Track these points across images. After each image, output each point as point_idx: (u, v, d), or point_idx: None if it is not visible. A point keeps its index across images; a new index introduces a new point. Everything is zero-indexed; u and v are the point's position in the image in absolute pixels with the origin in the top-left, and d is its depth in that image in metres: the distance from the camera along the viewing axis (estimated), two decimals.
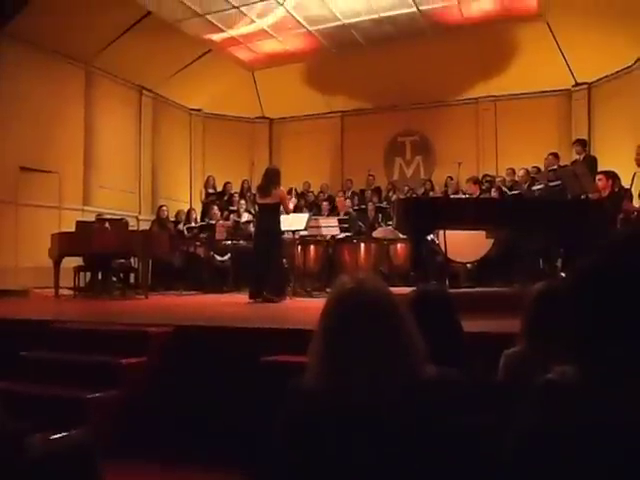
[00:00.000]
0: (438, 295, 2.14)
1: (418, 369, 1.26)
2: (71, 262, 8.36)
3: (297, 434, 1.26)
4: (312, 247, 8.77)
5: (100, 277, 8.47)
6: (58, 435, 2.22)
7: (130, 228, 9.28)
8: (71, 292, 8.30)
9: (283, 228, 7.79)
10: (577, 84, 11.15)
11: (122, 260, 9.02)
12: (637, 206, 6.43)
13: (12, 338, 4.30)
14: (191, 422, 3.55)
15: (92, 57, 10.21)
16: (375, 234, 9.54)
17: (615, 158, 8.75)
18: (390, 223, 9.57)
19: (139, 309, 6.41)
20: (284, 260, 8.59)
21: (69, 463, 2.13)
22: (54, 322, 4.56)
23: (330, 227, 8.64)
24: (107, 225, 8.26)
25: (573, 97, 11.30)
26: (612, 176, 7.22)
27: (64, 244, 7.81)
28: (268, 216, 7.13)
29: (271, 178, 7.20)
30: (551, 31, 10.03)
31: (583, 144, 8.32)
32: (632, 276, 1.33)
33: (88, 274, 8.74)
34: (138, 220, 11.16)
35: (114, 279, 8.92)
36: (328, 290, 8.28)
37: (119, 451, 3.04)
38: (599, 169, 7.57)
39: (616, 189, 7.38)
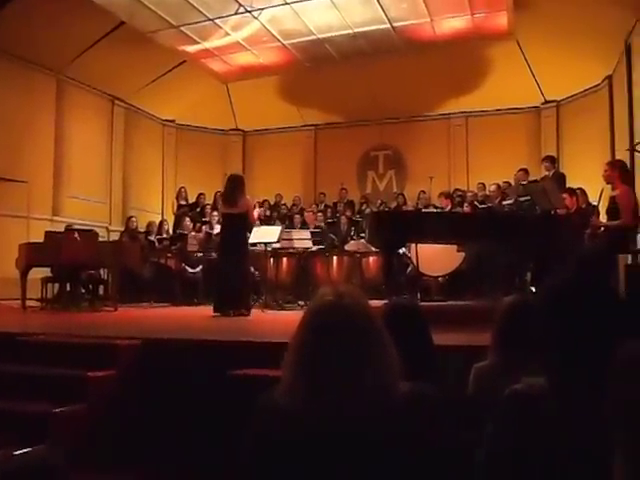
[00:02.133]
0: (409, 308, 2.15)
1: (393, 385, 1.26)
2: (39, 273, 8.20)
3: (267, 450, 1.24)
4: (284, 260, 8.76)
5: (68, 289, 8.32)
6: (21, 451, 2.17)
7: (100, 239, 9.15)
8: (38, 304, 8.13)
9: (255, 240, 7.75)
10: (546, 102, 11.39)
11: (91, 271, 8.88)
12: (604, 221, 6.56)
13: None
14: (159, 437, 3.50)
15: (64, 66, 10.10)
16: (347, 247, 9.57)
17: (583, 174, 8.94)
18: (362, 236, 9.61)
19: (108, 322, 6.31)
20: (254, 272, 8.55)
21: (32, 479, 2.08)
22: (20, 335, 4.46)
23: (303, 240, 8.64)
24: (76, 236, 8.12)
25: (542, 114, 11.54)
26: (576, 193, 7.38)
27: (32, 255, 7.66)
28: (234, 227, 6.90)
29: (236, 186, 6.99)
30: (521, 50, 10.23)
31: (552, 160, 8.47)
32: (600, 291, 1.36)
33: (56, 285, 8.58)
34: (108, 231, 11.02)
35: (83, 291, 8.77)
36: (300, 303, 8.28)
37: (86, 466, 2.98)
38: (567, 185, 7.71)
39: (583, 205, 7.55)
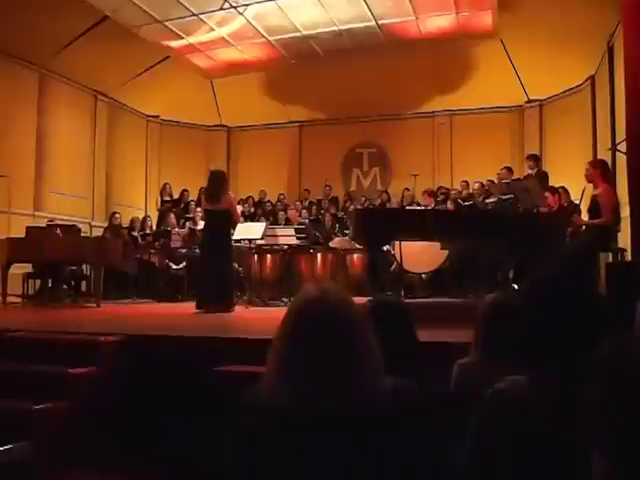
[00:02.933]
0: (393, 305, 2.15)
1: (376, 382, 1.26)
2: (20, 269, 8.13)
3: (250, 447, 1.24)
4: (269, 256, 8.74)
5: (50, 284, 8.26)
6: (1, 448, 2.15)
7: (82, 234, 9.08)
8: (20, 300, 8.06)
9: (240, 237, 7.72)
10: (529, 101, 11.47)
11: (73, 267, 8.82)
12: (585, 219, 6.63)
13: None
14: (143, 434, 3.48)
15: (46, 60, 9.98)
16: (332, 244, 9.58)
17: (565, 173, 9.03)
18: (347, 233, 9.63)
19: (90, 318, 6.26)
20: (239, 268, 8.53)
21: (12, 476, 2.06)
22: (1, 331, 4.41)
23: (287, 236, 8.63)
24: (58, 231, 8.06)
25: (525, 113, 11.62)
26: (558, 192, 7.45)
27: (13, 250, 7.58)
28: (217, 223, 6.86)
29: (219, 182, 6.96)
30: (505, 49, 10.29)
31: (536, 159, 8.54)
32: (580, 289, 1.37)
33: (38, 281, 8.51)
34: (91, 226, 10.93)
35: (65, 287, 8.70)
36: (284, 299, 8.28)
37: (67, 463, 2.96)
38: (550, 184, 7.78)
39: (565, 204, 7.62)
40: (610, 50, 8.59)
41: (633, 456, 0.95)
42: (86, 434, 3.49)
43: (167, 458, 3.22)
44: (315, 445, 1.17)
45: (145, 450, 3.34)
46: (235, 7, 9.10)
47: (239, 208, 8.41)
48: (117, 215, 10.36)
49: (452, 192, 10.42)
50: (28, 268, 8.41)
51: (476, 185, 9.92)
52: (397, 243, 7.73)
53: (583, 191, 6.94)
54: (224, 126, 13.62)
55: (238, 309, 6.98)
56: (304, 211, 10.98)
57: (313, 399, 1.20)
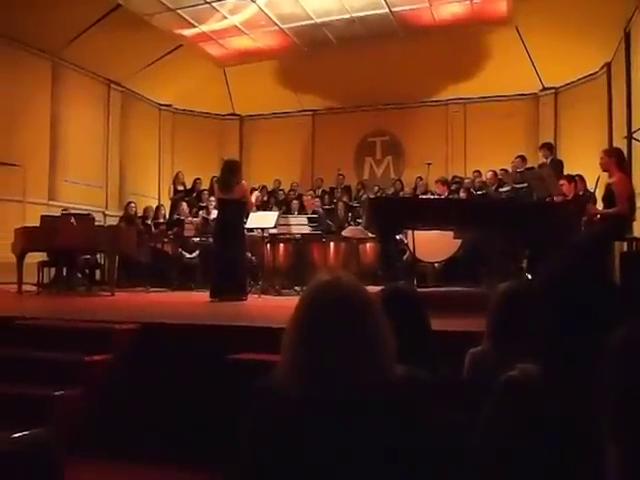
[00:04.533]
0: (406, 294, 2.16)
1: (388, 368, 1.27)
2: (35, 257, 8.20)
3: (265, 433, 1.25)
4: (281, 245, 8.75)
5: (65, 273, 8.32)
6: (19, 434, 2.18)
7: (96, 223, 9.13)
8: (35, 288, 8.14)
9: (252, 226, 7.73)
10: (544, 89, 11.36)
11: (88, 256, 8.88)
12: (600, 209, 6.58)
13: None
14: (158, 421, 3.52)
15: (60, 49, 10.03)
16: (344, 233, 9.56)
17: (580, 161, 8.94)
18: (360, 222, 9.61)
19: (105, 306, 6.32)
20: (252, 257, 8.55)
21: (30, 462, 2.09)
22: (17, 319, 4.47)
23: (300, 225, 8.63)
24: (73, 220, 8.11)
25: (540, 101, 11.51)
26: (574, 180, 7.38)
27: (28, 239, 7.64)
28: (231, 212, 6.88)
29: (232, 172, 6.96)
30: (520, 36, 10.18)
31: (550, 148, 8.47)
32: (594, 278, 1.37)
33: (52, 270, 8.58)
34: (105, 215, 11.01)
35: (79, 275, 8.77)
36: (297, 288, 8.29)
37: (84, 450, 3.00)
38: (565, 172, 7.72)
39: (580, 192, 7.55)
40: (627, 37, 8.47)
41: None
42: (102, 421, 3.54)
43: (182, 445, 3.25)
44: (330, 429, 1.18)
45: (160, 437, 3.38)
46: None
47: (256, 195, 8.40)
48: (132, 205, 10.41)
49: (466, 181, 10.36)
50: (43, 257, 8.48)
51: (490, 174, 9.85)
52: (410, 232, 7.71)
53: (598, 179, 6.88)
54: (237, 115, 13.62)
55: (251, 298, 7.02)
56: (317, 200, 10.97)
57: (327, 384, 1.21)
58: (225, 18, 9.97)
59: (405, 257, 8.79)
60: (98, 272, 9.20)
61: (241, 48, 11.16)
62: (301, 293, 1.36)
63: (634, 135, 7.68)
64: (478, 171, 10.41)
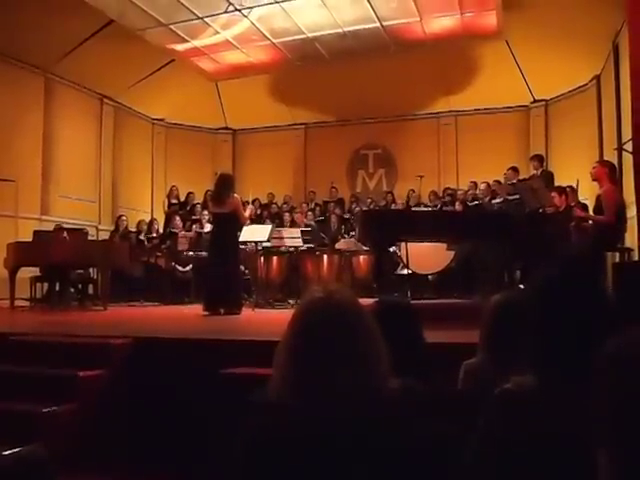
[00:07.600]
0: (400, 306, 2.16)
1: (383, 382, 1.26)
2: (27, 272, 8.16)
3: (258, 449, 1.25)
4: (275, 258, 8.75)
5: (58, 288, 8.28)
6: (10, 451, 2.16)
7: (90, 238, 9.11)
8: (27, 303, 8.09)
9: (246, 239, 7.73)
10: (535, 101, 11.46)
11: (81, 271, 8.84)
12: (585, 213, 6.69)
13: None
14: (151, 436, 3.50)
15: (52, 65, 10.04)
16: (338, 246, 9.58)
17: (571, 173, 8.98)
18: (353, 235, 9.63)
19: (98, 321, 6.29)
20: (245, 271, 8.54)
21: (22, 478, 2.07)
22: (9, 334, 4.44)
23: (293, 238, 8.64)
24: (65, 235, 8.09)
25: (531, 113, 11.61)
26: (565, 191, 7.44)
27: (21, 254, 7.62)
28: (224, 226, 6.91)
29: (226, 186, 6.99)
30: (510, 50, 10.28)
31: (540, 159, 8.53)
32: (587, 288, 1.38)
33: (45, 285, 8.54)
34: (98, 230, 10.98)
35: (72, 290, 8.73)
36: (290, 301, 8.30)
37: (76, 466, 2.97)
38: (555, 184, 7.77)
39: (572, 204, 7.60)
40: (615, 49, 8.57)
41: (639, 457, 0.95)
42: (97, 436, 3.51)
43: (177, 459, 3.23)
44: (324, 446, 1.18)
45: (155, 451, 3.35)
46: (239, 10, 9.12)
47: (251, 208, 8.42)
48: (123, 218, 10.41)
49: (458, 192, 10.42)
50: (35, 272, 8.44)
51: (483, 186, 9.91)
52: (403, 244, 7.73)
53: (577, 182, 7.03)
54: (229, 129, 13.65)
55: (245, 311, 7.00)
56: (310, 213, 10.99)
57: (321, 400, 1.20)
58: (217, 33, 10.01)
59: (399, 269, 8.80)
60: (91, 287, 9.16)
61: (233, 62, 11.19)
62: (295, 307, 1.36)
63: (624, 146, 7.74)
64: (474, 182, 10.47)
